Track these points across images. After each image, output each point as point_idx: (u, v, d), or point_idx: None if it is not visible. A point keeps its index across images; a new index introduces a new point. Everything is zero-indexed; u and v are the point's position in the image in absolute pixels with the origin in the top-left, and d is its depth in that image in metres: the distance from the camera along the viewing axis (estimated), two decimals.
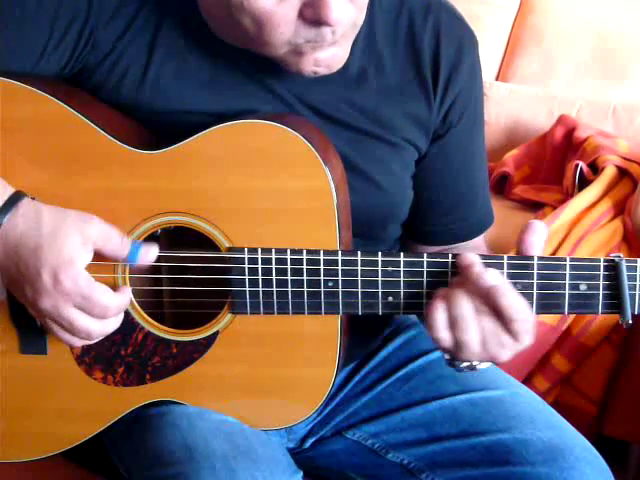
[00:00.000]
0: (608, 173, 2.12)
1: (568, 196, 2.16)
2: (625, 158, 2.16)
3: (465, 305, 0.94)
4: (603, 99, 2.46)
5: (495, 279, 0.94)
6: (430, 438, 1.13)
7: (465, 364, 1.01)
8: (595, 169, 2.17)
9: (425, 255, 0.97)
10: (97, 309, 0.95)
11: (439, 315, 0.95)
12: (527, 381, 1.83)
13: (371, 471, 1.17)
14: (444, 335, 0.95)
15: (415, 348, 1.22)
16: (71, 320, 0.95)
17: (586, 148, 2.22)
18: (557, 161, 2.33)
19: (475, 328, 0.94)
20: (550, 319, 1.80)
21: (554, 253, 1.91)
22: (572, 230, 1.96)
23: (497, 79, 2.68)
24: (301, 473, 1.06)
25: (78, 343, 0.99)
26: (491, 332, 0.94)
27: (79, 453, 1.11)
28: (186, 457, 0.98)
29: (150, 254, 0.98)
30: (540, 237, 0.96)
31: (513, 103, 2.53)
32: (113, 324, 0.99)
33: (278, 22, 0.93)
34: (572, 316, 1.80)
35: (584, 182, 2.16)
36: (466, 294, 0.94)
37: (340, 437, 1.18)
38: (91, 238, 0.95)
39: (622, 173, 2.15)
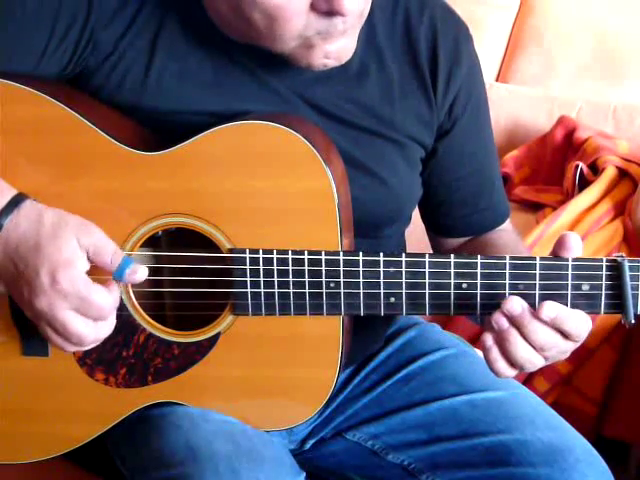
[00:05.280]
0: (608, 174, 2.12)
1: (568, 197, 2.16)
2: (625, 159, 2.16)
3: (522, 350, 0.93)
4: (603, 100, 2.46)
5: (552, 311, 0.92)
6: (430, 439, 1.13)
7: None
8: (595, 170, 2.17)
9: (427, 255, 0.97)
10: (93, 310, 0.94)
11: (499, 365, 0.94)
12: (527, 382, 1.83)
13: (371, 472, 1.17)
14: (510, 374, 0.95)
15: (415, 349, 1.22)
16: (64, 323, 0.93)
17: (586, 149, 2.22)
18: (557, 162, 2.33)
19: (540, 360, 0.94)
20: None
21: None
22: (572, 231, 1.95)
23: (497, 80, 2.68)
24: (304, 474, 1.06)
25: (70, 348, 0.97)
26: (553, 349, 0.94)
27: (81, 454, 1.11)
28: (189, 458, 0.98)
29: (138, 274, 0.96)
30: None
31: (513, 104, 2.53)
32: (106, 329, 0.97)
33: (290, 15, 0.93)
34: None
35: (584, 183, 2.16)
36: (522, 338, 0.93)
37: (340, 438, 1.18)
38: (84, 247, 0.94)
39: (622, 174, 2.16)
